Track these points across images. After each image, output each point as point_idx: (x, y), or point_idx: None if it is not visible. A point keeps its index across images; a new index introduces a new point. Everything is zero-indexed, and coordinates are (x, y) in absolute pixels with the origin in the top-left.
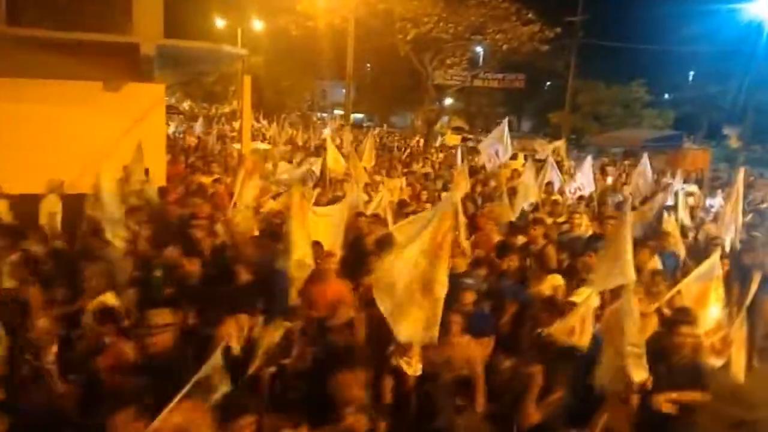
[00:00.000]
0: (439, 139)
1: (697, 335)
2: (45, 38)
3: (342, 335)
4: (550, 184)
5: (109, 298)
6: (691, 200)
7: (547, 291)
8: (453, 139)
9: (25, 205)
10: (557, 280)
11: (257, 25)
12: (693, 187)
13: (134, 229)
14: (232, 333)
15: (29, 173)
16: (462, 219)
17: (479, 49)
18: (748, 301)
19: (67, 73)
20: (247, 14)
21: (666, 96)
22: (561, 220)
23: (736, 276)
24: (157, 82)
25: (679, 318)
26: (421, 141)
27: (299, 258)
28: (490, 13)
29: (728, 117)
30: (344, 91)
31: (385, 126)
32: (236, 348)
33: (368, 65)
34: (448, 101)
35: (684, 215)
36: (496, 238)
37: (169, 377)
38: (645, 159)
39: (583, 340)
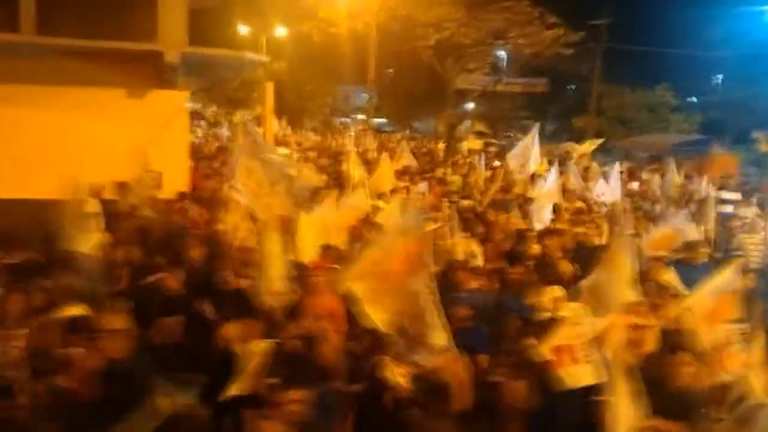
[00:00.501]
0: (463, 144)
1: (695, 364)
2: (71, 46)
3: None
4: (571, 191)
5: (77, 309)
6: (729, 208)
7: (547, 303)
8: (475, 144)
9: (50, 211)
10: (557, 292)
11: (280, 31)
12: (731, 194)
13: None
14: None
15: (53, 179)
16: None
17: (502, 54)
18: None
19: (92, 81)
20: (270, 21)
21: (693, 100)
22: (581, 229)
23: (764, 293)
24: (181, 89)
25: (679, 344)
26: (449, 146)
27: (274, 289)
28: (513, 18)
29: (757, 121)
30: (366, 96)
31: (407, 131)
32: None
33: (390, 70)
34: (470, 106)
35: (712, 225)
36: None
37: (124, 385)
38: (672, 165)
39: (574, 372)
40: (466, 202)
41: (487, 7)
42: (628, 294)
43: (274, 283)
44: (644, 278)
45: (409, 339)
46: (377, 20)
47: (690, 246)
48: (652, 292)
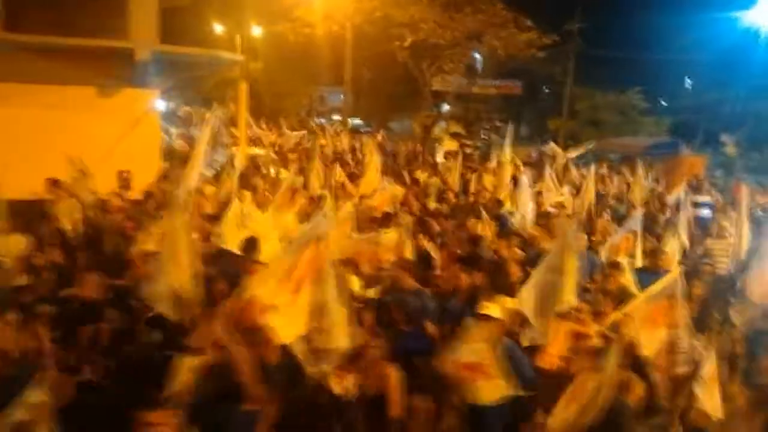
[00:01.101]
0: (437, 145)
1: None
2: (41, 43)
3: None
4: (540, 193)
5: None
6: (706, 212)
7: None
8: (451, 145)
9: (20, 210)
10: (509, 302)
11: (256, 31)
12: (706, 198)
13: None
14: None
15: (23, 178)
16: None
17: (477, 56)
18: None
19: (63, 78)
20: (245, 20)
21: (663, 104)
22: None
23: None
24: (152, 87)
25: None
26: (424, 147)
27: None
28: (488, 20)
29: (726, 125)
30: (342, 96)
31: (381, 131)
32: None
33: (366, 71)
34: (446, 107)
35: (683, 231)
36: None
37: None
38: (640, 167)
39: (486, 388)
40: (434, 205)
41: (462, 9)
42: (570, 299)
43: (177, 288)
44: (596, 283)
45: (313, 347)
46: (352, 21)
47: (652, 253)
48: (598, 299)
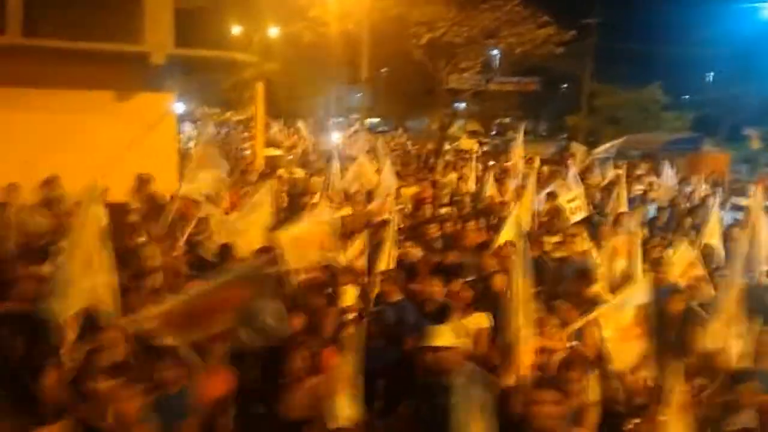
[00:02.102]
0: (455, 143)
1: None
2: (58, 48)
3: None
4: (553, 193)
5: None
6: (740, 215)
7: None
8: (469, 144)
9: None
10: (483, 320)
11: (272, 31)
12: (744, 200)
13: None
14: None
15: (35, 183)
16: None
17: (494, 53)
18: None
19: (78, 83)
20: (261, 21)
21: (685, 98)
22: (555, 239)
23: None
24: (168, 90)
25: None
26: (441, 146)
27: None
28: (505, 17)
29: (749, 118)
30: (359, 95)
31: (400, 130)
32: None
33: (383, 70)
34: (464, 105)
35: (717, 238)
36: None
37: None
38: (666, 166)
39: None
40: (444, 210)
41: (478, 6)
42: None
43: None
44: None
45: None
46: (369, 20)
47: (655, 262)
48: (564, 307)
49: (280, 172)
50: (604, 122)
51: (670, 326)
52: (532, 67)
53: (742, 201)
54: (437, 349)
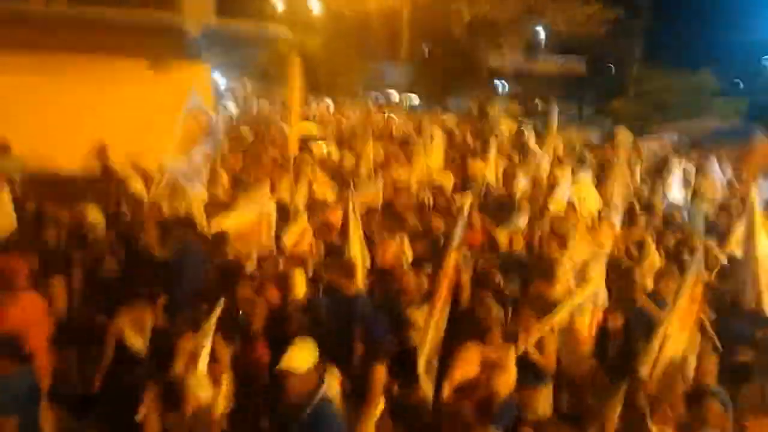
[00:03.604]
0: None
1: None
2: (96, 15)
3: None
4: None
5: None
6: None
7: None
8: (509, 126)
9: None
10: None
11: (313, 6)
12: None
13: None
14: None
15: (71, 150)
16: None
17: (537, 32)
18: None
19: (114, 51)
20: None
21: (738, 84)
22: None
23: None
24: (205, 61)
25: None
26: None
27: None
28: None
29: None
30: (398, 72)
31: (439, 110)
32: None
33: (424, 47)
34: (505, 86)
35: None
36: None
37: None
38: (713, 160)
39: None
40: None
41: None
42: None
43: None
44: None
45: None
46: None
47: (659, 275)
48: (524, 312)
49: (313, 148)
50: (651, 108)
51: None
52: (578, 48)
53: None
54: (286, 373)
